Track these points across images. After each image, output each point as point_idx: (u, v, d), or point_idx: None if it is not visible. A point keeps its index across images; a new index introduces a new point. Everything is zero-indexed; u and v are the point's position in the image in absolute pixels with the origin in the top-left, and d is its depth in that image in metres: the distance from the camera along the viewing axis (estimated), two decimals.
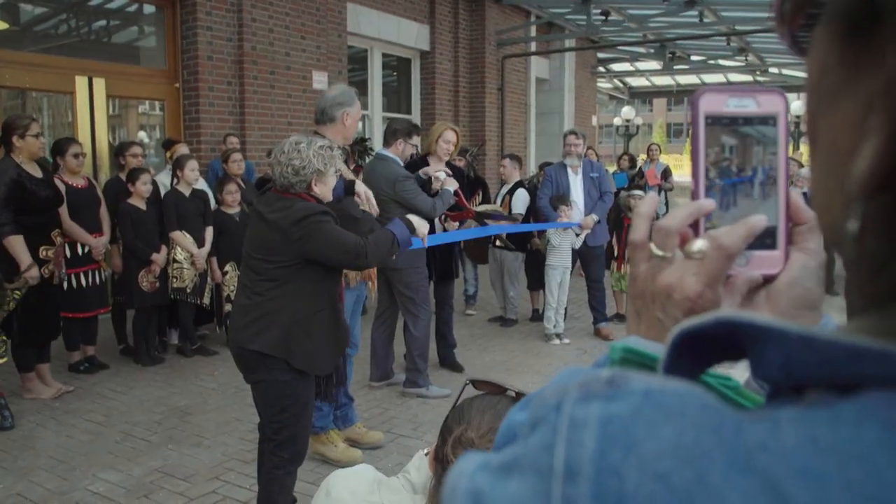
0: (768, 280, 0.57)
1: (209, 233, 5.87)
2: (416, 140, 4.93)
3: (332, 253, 2.94)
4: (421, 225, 3.45)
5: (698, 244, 0.55)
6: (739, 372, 0.38)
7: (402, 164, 4.83)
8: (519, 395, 1.43)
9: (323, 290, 3.03)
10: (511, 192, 6.99)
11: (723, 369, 0.42)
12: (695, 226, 0.56)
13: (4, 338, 4.54)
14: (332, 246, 2.93)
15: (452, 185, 4.90)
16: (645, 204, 0.61)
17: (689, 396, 0.32)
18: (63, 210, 4.99)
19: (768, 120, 0.54)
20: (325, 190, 3.03)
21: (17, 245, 4.54)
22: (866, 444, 0.27)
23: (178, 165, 5.80)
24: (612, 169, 11.18)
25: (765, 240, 0.55)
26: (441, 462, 1.38)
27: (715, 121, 0.54)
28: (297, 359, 2.92)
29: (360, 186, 3.78)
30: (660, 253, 0.57)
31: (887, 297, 0.33)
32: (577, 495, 0.30)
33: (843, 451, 0.27)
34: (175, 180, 5.83)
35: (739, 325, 0.35)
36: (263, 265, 2.93)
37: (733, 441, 0.29)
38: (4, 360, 4.53)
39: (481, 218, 6.05)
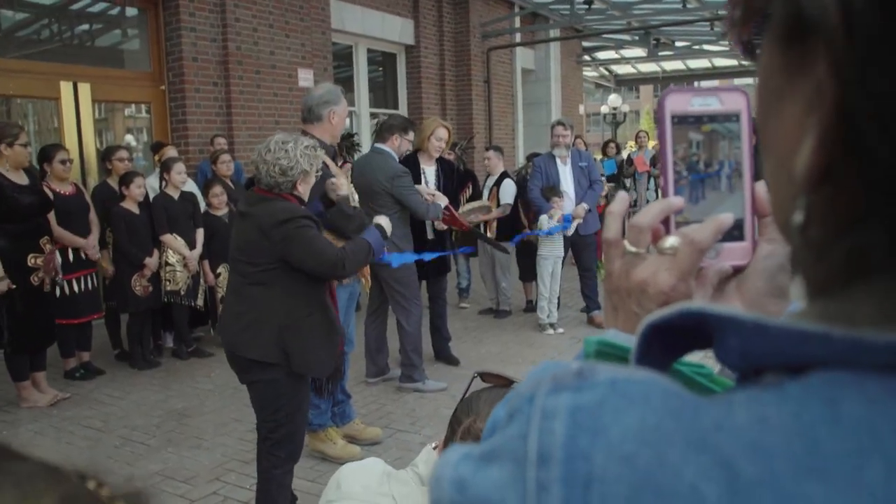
0: (738, 270, 0.60)
1: (200, 234, 5.87)
2: (411, 136, 4.94)
3: (312, 262, 2.92)
4: (388, 226, 3.45)
5: (670, 241, 0.57)
6: (713, 360, 0.40)
7: (397, 159, 4.84)
8: None
9: (311, 294, 3.01)
10: (497, 183, 7.01)
11: (696, 357, 0.44)
12: (666, 222, 0.59)
13: None
14: (312, 255, 2.90)
15: (443, 202, 4.93)
16: (616, 203, 0.64)
17: (652, 384, 0.34)
18: (51, 217, 4.98)
19: (731, 117, 0.56)
20: (306, 189, 3.06)
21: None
22: (808, 421, 0.30)
23: (165, 168, 5.80)
24: (598, 157, 11.21)
25: (733, 232, 0.58)
26: None
27: (681, 120, 0.56)
28: (295, 362, 2.92)
29: (332, 180, 3.72)
30: (633, 249, 0.60)
31: (829, 284, 0.36)
32: (549, 479, 0.33)
33: (787, 428, 0.30)
34: (163, 183, 5.83)
35: (701, 316, 0.37)
36: (249, 268, 2.93)
37: (691, 423, 0.31)
38: None
39: (474, 237, 6.15)
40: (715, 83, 18.02)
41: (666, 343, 0.41)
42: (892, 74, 0.29)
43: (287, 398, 2.95)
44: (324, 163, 3.47)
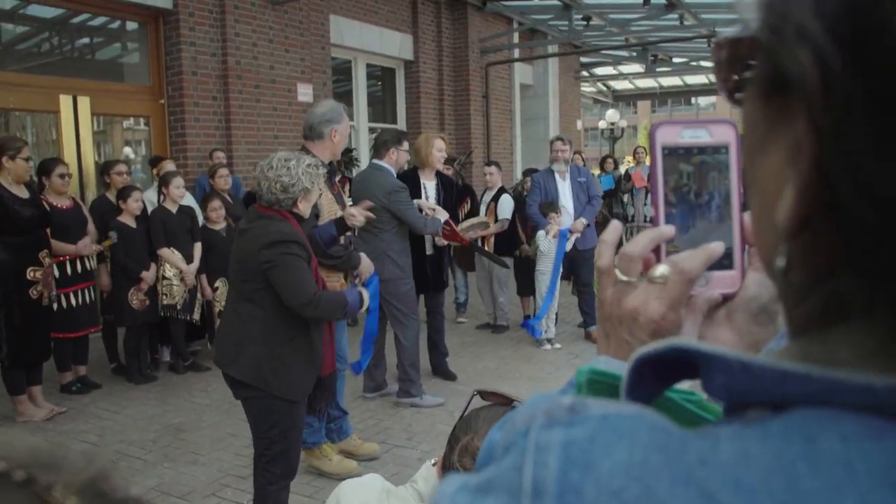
0: (727, 298, 0.61)
1: (198, 248, 5.87)
2: (406, 146, 4.95)
3: (287, 293, 2.89)
4: (367, 299, 3.39)
5: (661, 269, 0.58)
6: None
7: (395, 173, 4.85)
8: None
9: (296, 317, 2.96)
10: (495, 198, 7.03)
11: (687, 385, 0.46)
12: (657, 250, 0.60)
13: None
14: (290, 286, 2.88)
15: (443, 216, 4.95)
16: (609, 232, 0.65)
17: (641, 419, 0.35)
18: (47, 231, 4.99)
19: (721, 149, 0.57)
20: (307, 207, 3.06)
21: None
22: (788, 457, 0.31)
23: (163, 182, 5.80)
24: (596, 172, 11.25)
25: (722, 261, 0.59)
26: (448, 470, 1.40)
27: (672, 151, 0.57)
28: (274, 387, 2.90)
29: (350, 210, 3.83)
30: (624, 278, 0.62)
31: (810, 325, 0.37)
32: None
33: (768, 464, 0.31)
34: (161, 197, 5.83)
35: (689, 352, 0.39)
36: (244, 285, 2.94)
37: (677, 458, 0.32)
38: None
39: (473, 251, 6.18)
40: (712, 99, 18.09)
41: (656, 372, 0.42)
42: (867, 135, 0.30)
43: (280, 416, 2.94)
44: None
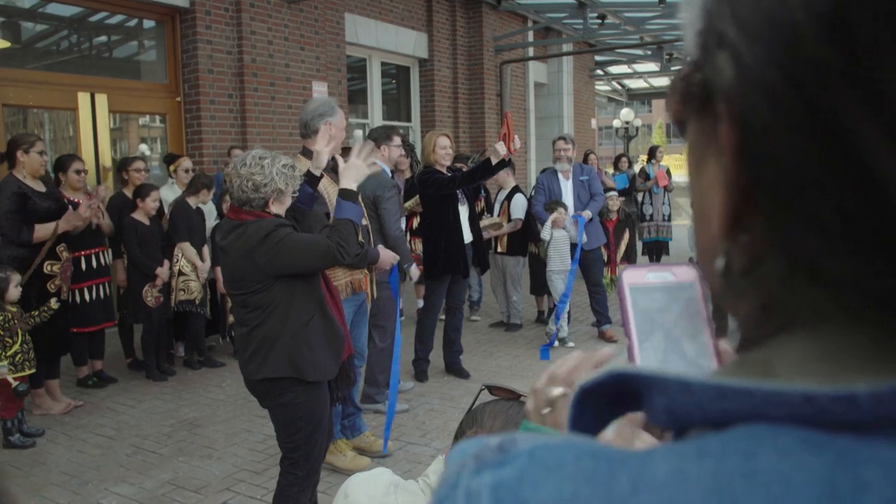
0: None
1: (206, 249, 5.93)
2: (397, 141, 4.96)
3: (309, 260, 2.85)
4: (359, 179, 3.21)
5: (556, 391, 0.62)
6: None
7: (388, 170, 4.87)
8: None
9: (307, 298, 2.94)
10: (509, 197, 7.03)
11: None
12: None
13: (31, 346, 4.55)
14: (306, 254, 2.84)
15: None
16: (542, 379, 0.70)
17: (568, 449, 0.35)
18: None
19: (685, 285, 0.59)
20: (280, 210, 2.93)
21: (42, 230, 4.70)
22: (726, 475, 0.30)
23: (205, 185, 5.85)
24: (610, 171, 11.22)
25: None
26: None
27: (639, 289, 0.59)
28: (308, 372, 2.90)
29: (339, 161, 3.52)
30: (554, 393, 0.68)
31: (753, 338, 0.38)
32: None
33: (704, 483, 0.30)
34: (191, 195, 5.86)
35: (629, 377, 0.38)
36: (243, 297, 2.87)
37: (606, 488, 0.32)
38: (33, 370, 4.55)
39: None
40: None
41: (601, 405, 0.42)
42: (784, 128, 0.32)
43: (306, 419, 2.93)
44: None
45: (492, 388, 1.56)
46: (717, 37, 0.34)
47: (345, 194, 3.10)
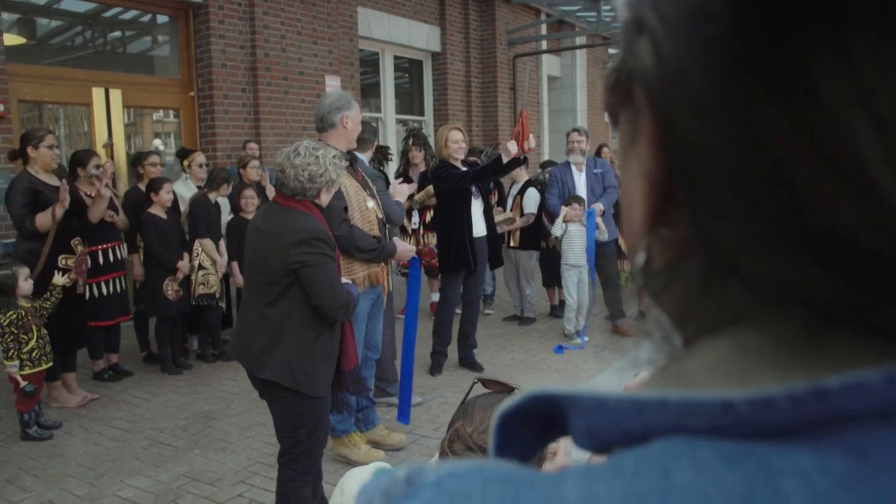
0: None
1: (222, 243, 5.97)
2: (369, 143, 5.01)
3: (322, 294, 2.85)
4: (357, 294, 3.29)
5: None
6: None
7: (367, 161, 4.89)
8: None
9: (322, 314, 2.95)
10: (521, 191, 7.02)
11: None
12: None
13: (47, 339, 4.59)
14: (326, 288, 2.84)
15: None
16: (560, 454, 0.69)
17: (475, 475, 0.33)
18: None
19: None
20: (328, 199, 3.02)
21: (42, 218, 4.69)
22: (637, 496, 0.29)
23: (224, 179, 5.89)
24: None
25: None
26: (442, 455, 1.41)
27: None
28: (305, 386, 2.88)
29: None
30: None
31: (674, 333, 0.37)
32: None
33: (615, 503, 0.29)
34: (211, 189, 5.89)
35: (548, 399, 0.37)
36: (267, 287, 2.86)
37: None
38: (51, 364, 4.59)
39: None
40: None
41: (527, 430, 0.40)
42: (701, 121, 0.31)
43: (308, 416, 2.93)
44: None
45: (485, 382, 1.56)
46: (638, 23, 0.34)
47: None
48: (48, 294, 4.57)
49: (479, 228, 5.54)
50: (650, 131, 0.34)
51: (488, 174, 5.35)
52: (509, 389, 1.49)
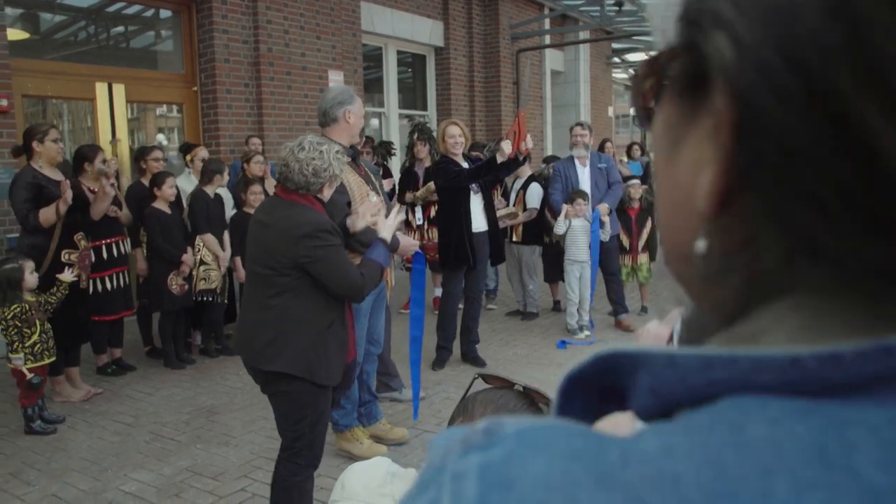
0: None
1: (226, 236, 5.96)
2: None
3: (337, 283, 2.87)
4: (390, 235, 3.32)
5: None
6: None
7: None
8: (526, 390, 1.45)
9: (333, 301, 2.96)
10: (524, 186, 7.01)
11: None
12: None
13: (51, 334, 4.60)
14: (339, 276, 2.87)
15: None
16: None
17: (555, 429, 0.34)
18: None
19: None
20: (329, 193, 3.03)
21: (46, 213, 4.70)
22: (714, 446, 0.30)
23: (215, 170, 5.86)
24: (624, 159, 11.15)
25: None
26: None
27: None
28: (319, 375, 2.88)
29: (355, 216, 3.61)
30: None
31: (731, 310, 0.37)
32: None
33: (694, 455, 0.30)
34: (206, 183, 5.89)
35: (615, 358, 0.38)
36: (274, 278, 2.86)
37: (596, 462, 0.31)
38: (53, 359, 4.60)
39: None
40: None
41: (588, 399, 0.41)
42: (784, 108, 0.32)
43: (311, 408, 2.92)
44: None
45: (486, 377, 1.56)
46: (713, 17, 0.35)
47: (383, 242, 3.21)
48: (54, 289, 4.59)
49: (478, 224, 5.54)
50: (727, 119, 0.35)
51: (482, 174, 5.35)
52: (510, 385, 1.49)
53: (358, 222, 3.43)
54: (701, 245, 0.37)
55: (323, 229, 2.84)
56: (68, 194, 4.70)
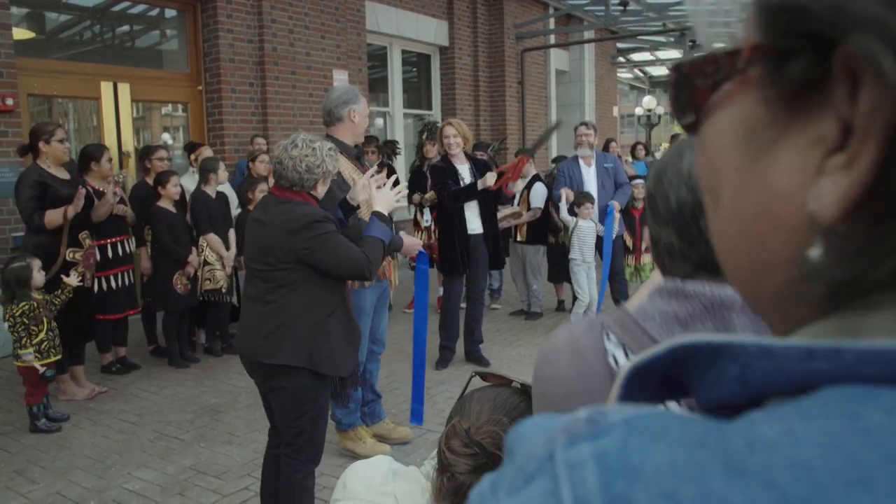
0: None
1: (232, 234, 5.96)
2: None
3: (339, 267, 2.90)
4: (389, 207, 3.30)
5: None
6: None
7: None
8: (524, 386, 1.44)
9: (332, 291, 2.97)
10: (528, 186, 7.00)
11: None
12: None
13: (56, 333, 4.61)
14: (340, 260, 2.89)
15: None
16: None
17: (665, 417, 0.34)
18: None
19: None
20: (324, 190, 3.04)
21: (52, 215, 4.72)
22: (837, 434, 0.30)
23: (209, 169, 5.85)
24: (629, 159, 11.14)
25: None
26: (440, 454, 1.40)
27: None
28: (322, 365, 2.90)
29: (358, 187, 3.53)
30: None
31: (831, 306, 0.37)
32: None
33: (819, 442, 0.30)
34: (204, 182, 5.89)
35: (694, 348, 0.37)
36: (273, 273, 2.88)
37: (721, 449, 0.31)
38: (59, 356, 4.62)
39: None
40: None
41: (650, 390, 0.41)
42: None
43: (311, 403, 2.93)
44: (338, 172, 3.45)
45: (483, 375, 1.55)
46: (857, 18, 0.33)
47: (378, 216, 3.19)
48: (59, 291, 4.60)
49: (474, 227, 5.53)
50: (882, 124, 0.33)
51: (462, 198, 5.36)
52: (507, 382, 1.48)
53: (359, 194, 3.41)
54: (816, 253, 0.36)
55: (316, 219, 2.86)
56: (79, 203, 4.73)
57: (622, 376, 0.41)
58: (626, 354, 0.96)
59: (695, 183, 0.94)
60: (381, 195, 3.27)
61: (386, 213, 3.23)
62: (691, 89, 0.42)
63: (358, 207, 3.48)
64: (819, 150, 0.35)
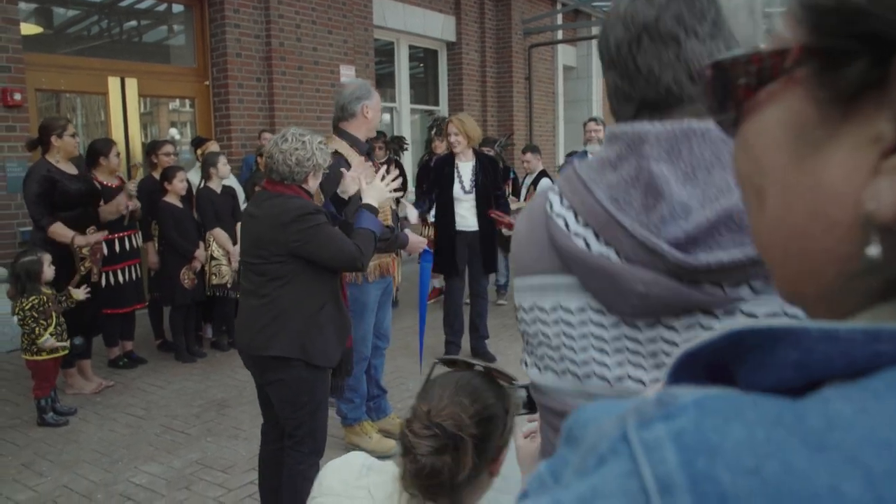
0: None
1: (239, 228, 5.95)
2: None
3: (331, 258, 2.92)
4: (380, 199, 3.30)
5: None
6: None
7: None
8: (487, 370, 1.47)
9: (325, 284, 2.99)
10: (535, 181, 7.00)
11: None
12: None
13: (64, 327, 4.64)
14: (332, 251, 2.90)
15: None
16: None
17: (736, 397, 0.34)
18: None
19: None
20: (315, 184, 3.05)
21: (60, 230, 4.75)
22: None
23: (209, 163, 5.86)
24: None
25: None
26: (402, 436, 1.42)
27: None
28: (316, 357, 2.92)
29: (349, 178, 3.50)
30: None
31: (886, 294, 0.37)
32: None
33: (894, 418, 0.31)
34: (205, 180, 5.90)
35: (751, 335, 0.37)
36: (267, 266, 2.90)
37: (799, 427, 0.32)
38: (66, 351, 4.64)
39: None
40: None
41: (696, 376, 0.41)
42: None
43: (308, 395, 2.94)
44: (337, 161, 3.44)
45: (447, 362, 1.57)
46: None
47: (368, 208, 3.19)
48: (63, 297, 4.61)
49: (468, 224, 5.55)
50: None
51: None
52: (469, 367, 1.50)
53: (350, 186, 3.40)
54: (875, 251, 0.36)
55: (307, 211, 2.87)
56: (93, 238, 4.90)
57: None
58: (576, 218, 0.97)
59: (629, 21, 0.94)
60: (372, 187, 3.29)
61: (376, 205, 3.24)
62: (731, 87, 0.42)
63: (349, 201, 3.46)
64: (874, 151, 0.35)
